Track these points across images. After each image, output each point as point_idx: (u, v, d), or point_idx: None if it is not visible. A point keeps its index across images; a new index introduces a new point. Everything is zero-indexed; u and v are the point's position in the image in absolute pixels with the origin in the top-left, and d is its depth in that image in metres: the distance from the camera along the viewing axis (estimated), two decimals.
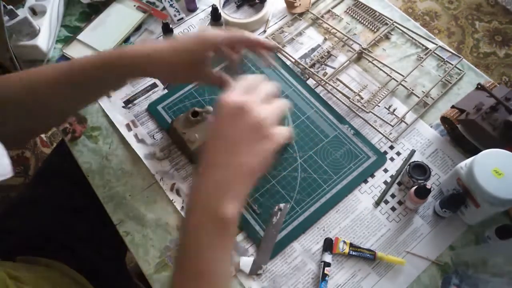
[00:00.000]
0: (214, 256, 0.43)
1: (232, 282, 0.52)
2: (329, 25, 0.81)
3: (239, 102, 0.45)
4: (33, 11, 0.80)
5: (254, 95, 0.47)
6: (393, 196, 0.65)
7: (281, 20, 0.84)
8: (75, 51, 0.78)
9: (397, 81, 0.73)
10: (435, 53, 0.77)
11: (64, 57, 0.78)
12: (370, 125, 0.71)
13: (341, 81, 0.75)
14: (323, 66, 0.77)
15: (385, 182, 0.66)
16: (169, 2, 0.84)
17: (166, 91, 0.76)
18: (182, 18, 0.84)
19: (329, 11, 0.84)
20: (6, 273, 0.52)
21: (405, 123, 0.70)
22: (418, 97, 0.73)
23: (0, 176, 0.43)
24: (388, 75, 0.75)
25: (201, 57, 0.56)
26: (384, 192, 0.65)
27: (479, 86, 0.65)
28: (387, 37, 0.80)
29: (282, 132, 0.48)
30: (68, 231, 0.72)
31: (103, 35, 0.79)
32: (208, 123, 0.49)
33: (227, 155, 0.45)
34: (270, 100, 0.48)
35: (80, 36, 0.79)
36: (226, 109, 0.46)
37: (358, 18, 0.83)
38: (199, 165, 0.46)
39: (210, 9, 0.78)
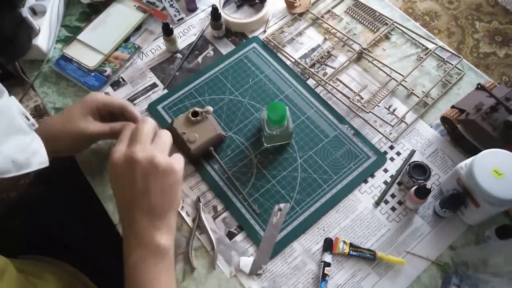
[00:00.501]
0: (164, 280, 0.50)
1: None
2: (329, 25, 0.81)
3: (126, 156, 0.50)
4: (33, 11, 0.80)
5: (136, 142, 0.51)
6: (393, 196, 0.65)
7: (281, 20, 0.84)
8: (75, 51, 0.78)
9: (397, 81, 0.73)
10: (435, 53, 0.77)
11: (64, 57, 0.78)
12: (370, 125, 0.71)
13: (341, 81, 0.75)
14: (323, 66, 0.77)
15: (385, 182, 0.66)
16: (169, 2, 0.84)
17: (166, 91, 0.76)
18: (182, 18, 0.84)
19: (329, 11, 0.84)
20: (15, 268, 0.52)
21: (405, 123, 0.70)
22: (418, 97, 0.73)
23: (41, 164, 0.48)
24: (388, 75, 0.75)
25: (85, 118, 0.60)
26: (384, 192, 0.65)
27: (479, 86, 0.65)
28: (387, 37, 0.80)
29: (178, 160, 0.53)
30: (69, 230, 0.72)
31: (103, 35, 0.79)
32: (110, 181, 0.53)
33: (141, 204, 0.50)
34: (154, 138, 0.53)
35: (80, 36, 0.79)
36: (119, 167, 0.50)
37: (358, 18, 0.83)
38: (122, 217, 0.52)
39: (210, 9, 0.78)
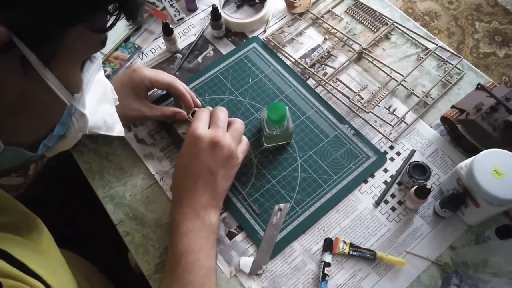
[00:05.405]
0: (210, 252, 0.54)
1: (215, 274, 0.55)
2: (329, 25, 0.81)
3: (212, 137, 0.56)
4: None
5: (219, 127, 0.57)
6: (393, 196, 0.65)
7: (281, 20, 0.84)
8: None
9: (397, 81, 0.73)
10: (435, 53, 0.77)
11: None
12: (370, 125, 0.71)
13: (341, 81, 0.75)
14: (323, 66, 0.77)
15: (385, 182, 0.66)
16: (169, 2, 0.84)
17: (165, 91, 0.76)
18: (182, 18, 0.84)
19: (329, 11, 0.84)
20: None
21: (405, 123, 0.70)
22: (418, 97, 0.73)
23: (119, 132, 0.56)
24: (388, 75, 0.75)
25: (137, 89, 0.65)
26: (384, 192, 0.65)
27: (479, 86, 0.65)
28: (387, 37, 0.80)
29: (243, 150, 0.60)
30: (70, 227, 0.72)
31: None
32: (186, 150, 0.57)
33: (207, 182, 0.56)
34: (229, 126, 0.59)
35: None
36: (203, 144, 0.55)
37: (358, 18, 0.83)
38: (183, 186, 0.56)
39: (210, 9, 0.78)
